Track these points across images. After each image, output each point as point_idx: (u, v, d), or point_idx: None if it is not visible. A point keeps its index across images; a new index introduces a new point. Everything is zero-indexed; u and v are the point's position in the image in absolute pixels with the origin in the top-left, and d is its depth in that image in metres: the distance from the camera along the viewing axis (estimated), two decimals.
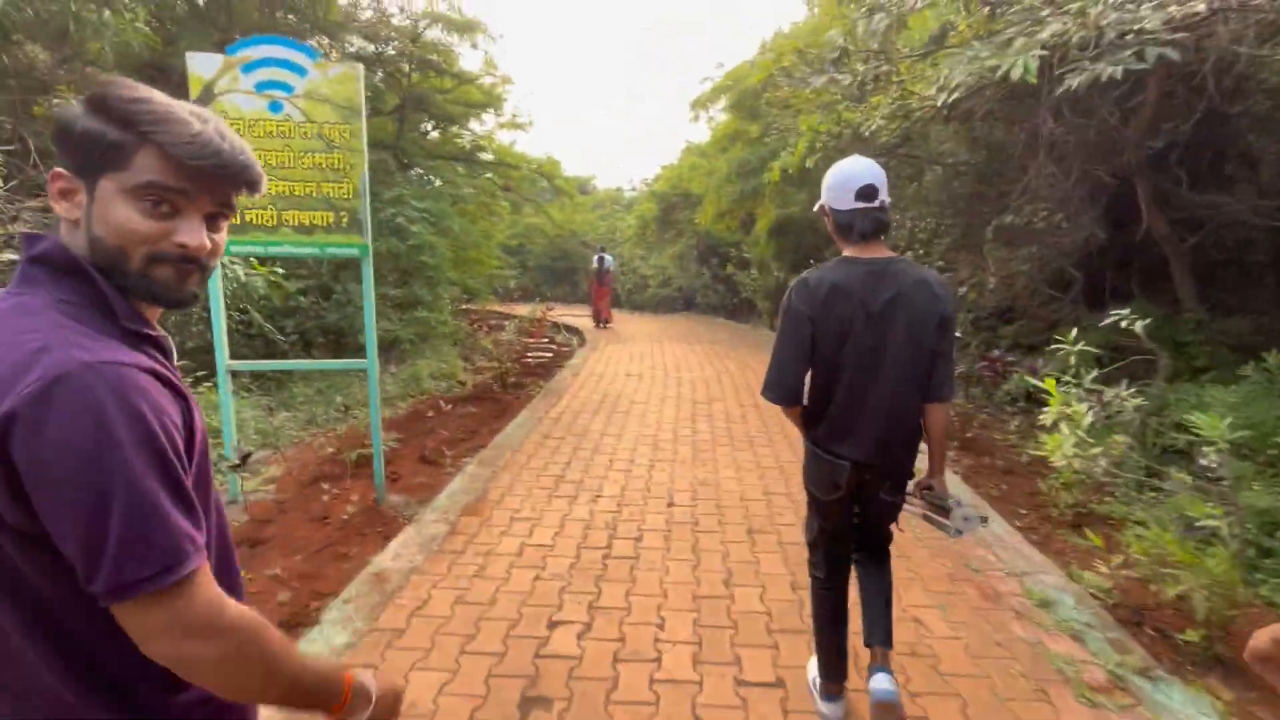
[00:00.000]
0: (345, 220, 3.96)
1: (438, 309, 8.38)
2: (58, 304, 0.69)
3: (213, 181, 0.74)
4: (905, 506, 2.00)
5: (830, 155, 5.84)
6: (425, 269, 8.27)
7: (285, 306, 7.65)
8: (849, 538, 2.12)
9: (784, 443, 5.17)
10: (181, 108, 0.73)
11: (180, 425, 0.72)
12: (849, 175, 1.85)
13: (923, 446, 1.98)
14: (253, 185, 0.79)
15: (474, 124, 13.85)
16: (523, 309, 18.32)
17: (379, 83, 9.74)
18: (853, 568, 2.17)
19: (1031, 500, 4.26)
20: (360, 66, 3.90)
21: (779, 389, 1.93)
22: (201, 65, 3.66)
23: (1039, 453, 4.07)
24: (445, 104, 10.08)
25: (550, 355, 10.90)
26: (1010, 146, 5.25)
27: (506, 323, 17.70)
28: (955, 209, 5.75)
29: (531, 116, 12.98)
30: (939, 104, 4.93)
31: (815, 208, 2.00)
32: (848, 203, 1.84)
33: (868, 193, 1.82)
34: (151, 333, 0.77)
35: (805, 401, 1.96)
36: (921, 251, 6.48)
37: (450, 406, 6.88)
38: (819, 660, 2.16)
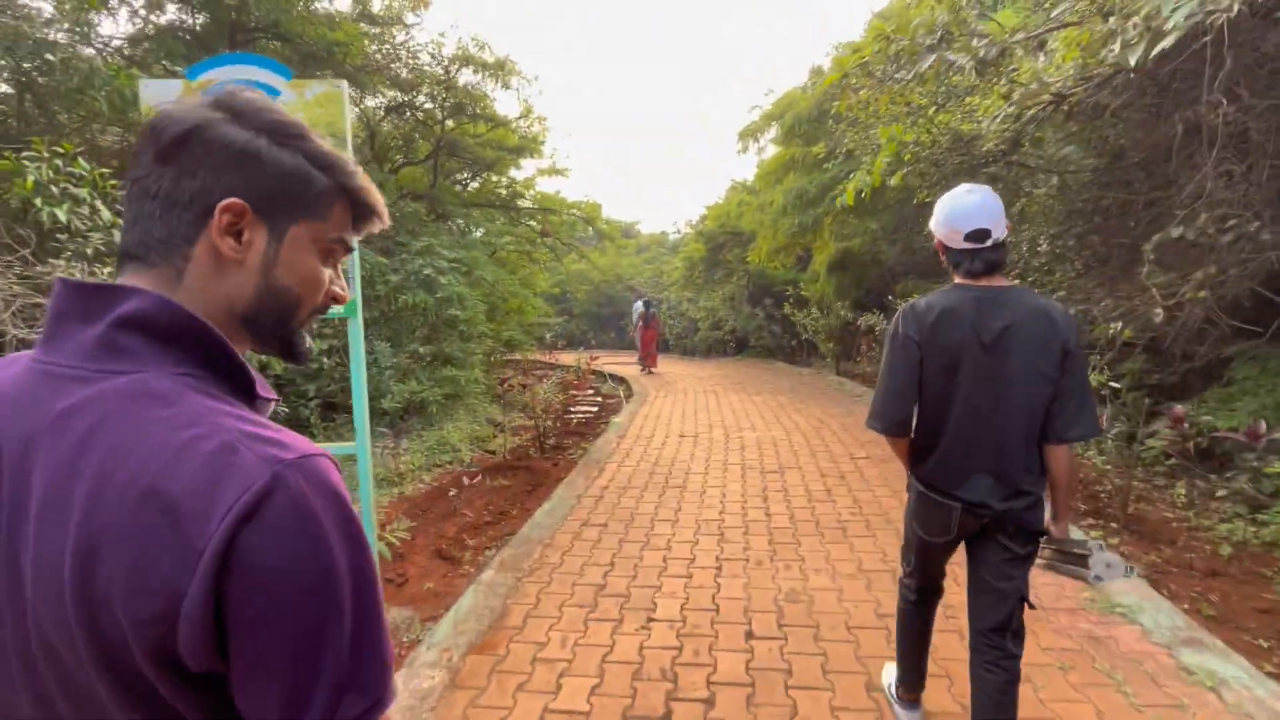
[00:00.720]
0: None
1: (470, 366, 7.64)
2: (184, 380, 0.56)
3: (355, 227, 0.70)
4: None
5: (923, 170, 4.84)
6: (456, 323, 7.58)
7: (311, 370, 7.08)
8: (944, 572, 2.05)
9: (888, 531, 4.03)
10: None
11: None
12: (958, 214, 1.75)
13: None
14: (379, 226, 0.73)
15: (513, 171, 13.58)
16: (568, 357, 17.74)
17: (412, 130, 9.40)
18: (972, 658, 1.88)
19: (1268, 619, 2.99)
20: (344, 84, 3.19)
21: (886, 418, 1.83)
22: (156, 93, 3.02)
23: (1252, 539, 2.85)
24: (480, 149, 9.64)
25: (595, 411, 10.04)
26: (1159, 143, 4.13)
27: (551, 372, 17.14)
28: (1082, 225, 4.61)
29: (570, 163, 12.43)
30: (1058, 94, 3.91)
31: (928, 230, 1.91)
32: (957, 242, 1.76)
33: (978, 236, 1.73)
34: (271, 397, 0.65)
35: (912, 434, 1.87)
36: (1033, 280, 5.33)
37: (478, 479, 6.02)
38: (899, 669, 2.17)
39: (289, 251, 0.63)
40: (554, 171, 14.58)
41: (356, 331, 3.26)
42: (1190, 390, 5.28)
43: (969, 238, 1.73)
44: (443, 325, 7.65)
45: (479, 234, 10.33)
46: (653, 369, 14.34)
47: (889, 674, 2.32)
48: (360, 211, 0.67)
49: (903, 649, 2.15)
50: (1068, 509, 1.83)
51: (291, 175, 0.61)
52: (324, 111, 3.16)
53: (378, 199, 0.68)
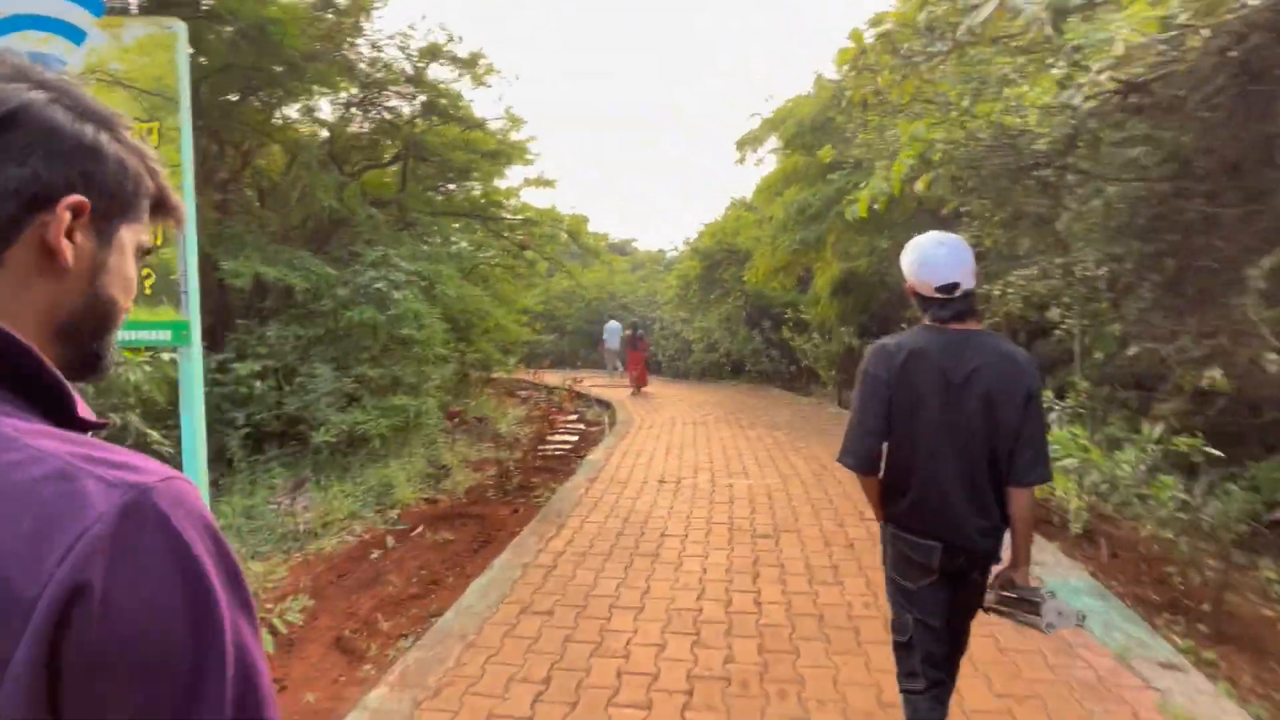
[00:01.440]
0: (150, 285, 2.30)
1: (425, 393, 6.73)
2: None
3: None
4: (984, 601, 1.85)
5: (956, 173, 3.99)
6: (411, 344, 6.70)
7: (241, 394, 6.17)
8: (946, 635, 1.88)
9: None
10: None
11: None
12: (929, 267, 1.78)
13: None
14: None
15: (498, 181, 12.78)
16: (554, 378, 16.86)
17: (378, 131, 8.58)
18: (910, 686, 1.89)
19: None
20: (180, 26, 2.32)
21: (857, 455, 1.85)
22: None
23: None
24: (451, 153, 8.82)
25: (574, 441, 9.11)
26: (1254, 141, 3.29)
27: (534, 393, 16.21)
28: (1152, 245, 3.74)
29: (547, 159, 11.58)
30: (1129, 82, 3.08)
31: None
32: (928, 291, 1.79)
33: (949, 289, 1.77)
34: (93, 418, 0.55)
35: (881, 475, 1.87)
36: (1083, 315, 4.47)
37: (418, 530, 5.08)
38: None
39: (116, 256, 0.57)
40: (541, 182, 13.79)
41: (192, 366, 2.36)
42: (1246, 444, 4.39)
43: (940, 290, 1.76)
44: (396, 346, 6.75)
45: (458, 246, 9.49)
46: (643, 387, 13.93)
47: None
48: (162, 211, 0.62)
49: None
50: (1027, 554, 1.82)
51: (126, 173, 0.56)
52: (149, 62, 2.29)
53: (179, 198, 0.64)
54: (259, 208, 8.08)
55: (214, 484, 5.12)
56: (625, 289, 23.51)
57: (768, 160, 10.64)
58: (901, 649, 1.92)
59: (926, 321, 1.82)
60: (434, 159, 9.12)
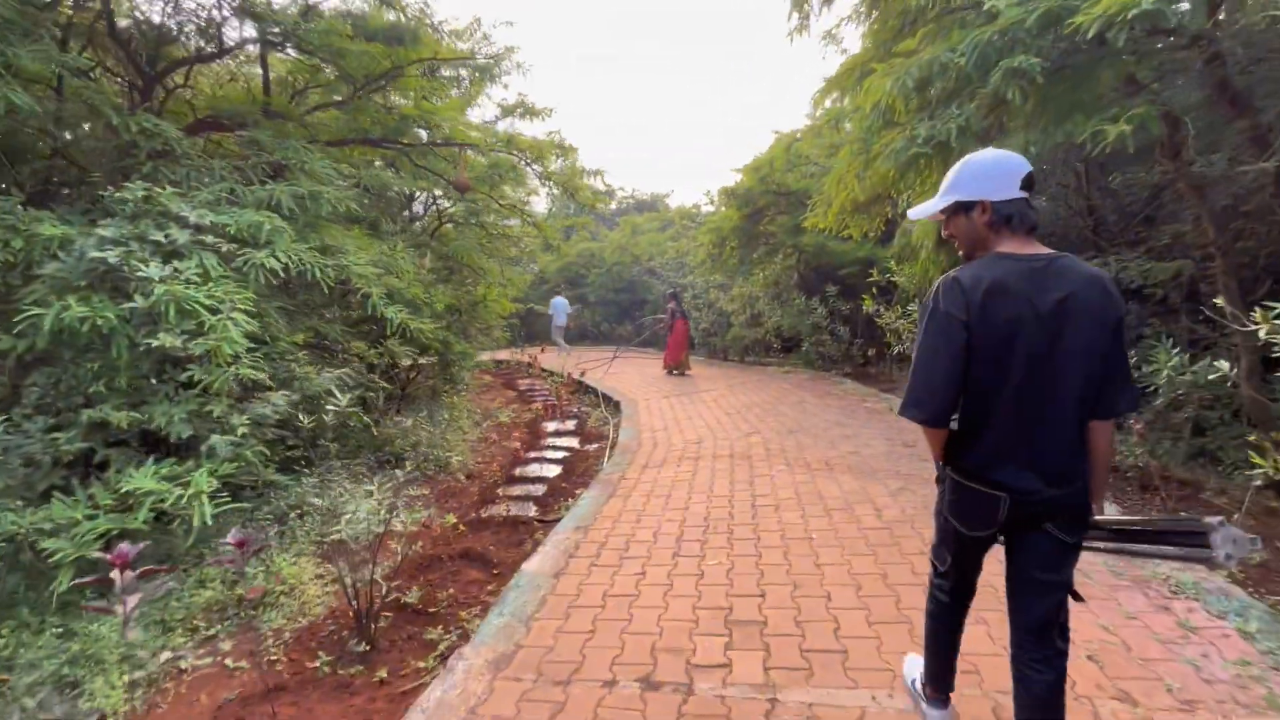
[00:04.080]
0: None
1: (214, 457, 3.54)
2: None
3: None
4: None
5: None
6: (183, 365, 3.50)
7: None
8: (981, 570, 1.89)
9: None
10: None
11: None
12: (1009, 161, 1.67)
13: None
14: None
15: (472, 110, 9.32)
16: (557, 360, 13.65)
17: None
18: (1016, 656, 1.75)
19: None
20: None
21: (927, 408, 1.65)
22: None
23: None
24: (348, 47, 5.43)
25: (545, 487, 5.86)
26: None
27: (540, 381, 13.05)
28: None
29: (548, 106, 8.10)
30: None
31: (940, 208, 1.74)
32: (1011, 191, 1.64)
33: (1031, 181, 1.66)
34: None
35: (954, 423, 1.69)
36: None
37: None
38: (928, 669, 2.08)
39: None
40: (527, 110, 10.27)
41: None
42: None
43: (1025, 183, 1.66)
44: (149, 368, 3.57)
45: (326, 190, 6.11)
46: (674, 370, 11.79)
47: (912, 667, 2.29)
48: None
49: (933, 649, 2.04)
50: (1104, 488, 1.71)
51: None
52: None
53: None
54: None
55: None
56: (651, 249, 19.93)
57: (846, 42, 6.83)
58: (938, 571, 1.94)
59: (1001, 249, 1.64)
60: (323, 56, 5.75)
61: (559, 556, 3.82)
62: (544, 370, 13.18)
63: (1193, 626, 2.66)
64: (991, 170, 1.66)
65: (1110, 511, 3.86)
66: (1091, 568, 3.25)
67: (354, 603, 3.36)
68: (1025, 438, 1.59)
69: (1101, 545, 1.73)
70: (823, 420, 7.20)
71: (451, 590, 3.93)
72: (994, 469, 1.63)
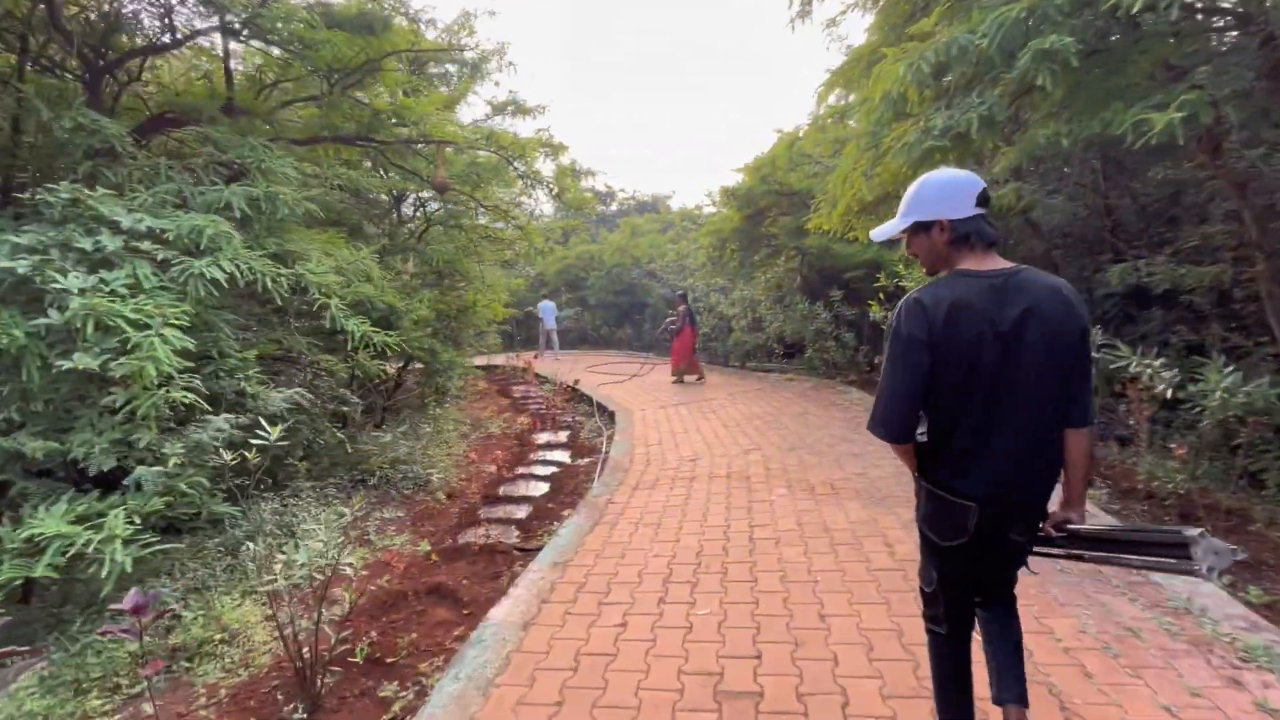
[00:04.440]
0: None
1: (142, 494, 3.14)
2: None
3: None
4: (1040, 550, 1.78)
5: None
6: (98, 382, 3.10)
7: None
8: (972, 585, 1.88)
9: None
10: None
11: None
12: (963, 179, 1.71)
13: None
14: None
15: (463, 110, 8.92)
16: (545, 363, 13.22)
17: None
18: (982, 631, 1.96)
19: None
20: None
21: (893, 426, 1.70)
22: None
23: None
24: (312, 36, 5.03)
25: (530, 507, 5.44)
26: None
27: (535, 386, 12.65)
28: None
29: (541, 103, 7.71)
30: None
31: (901, 229, 1.76)
32: (968, 209, 1.68)
33: (985, 198, 1.70)
34: None
35: (923, 437, 1.75)
36: None
37: None
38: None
39: None
40: (517, 109, 9.89)
41: None
42: None
43: (980, 200, 1.69)
44: (68, 391, 3.17)
45: (283, 192, 5.66)
46: (688, 376, 11.46)
47: None
48: None
49: (942, 704, 1.93)
50: (1083, 496, 1.74)
51: None
52: None
53: None
54: None
55: None
56: (651, 252, 19.51)
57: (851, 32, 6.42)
58: (927, 596, 1.93)
59: (961, 266, 1.67)
60: (288, 48, 5.35)
61: (531, 601, 3.39)
62: (538, 376, 12.78)
63: (1272, 709, 2.23)
64: (947, 189, 1.69)
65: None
66: (1141, 623, 2.82)
67: (296, 661, 2.96)
68: (988, 451, 1.63)
69: (1086, 555, 1.72)
70: (827, 435, 6.77)
71: (414, 635, 3.53)
72: (962, 479, 1.67)
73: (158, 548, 3.17)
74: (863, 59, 5.25)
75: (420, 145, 6.26)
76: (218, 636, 3.43)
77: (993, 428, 1.62)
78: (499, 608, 3.34)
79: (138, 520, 3.08)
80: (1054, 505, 1.77)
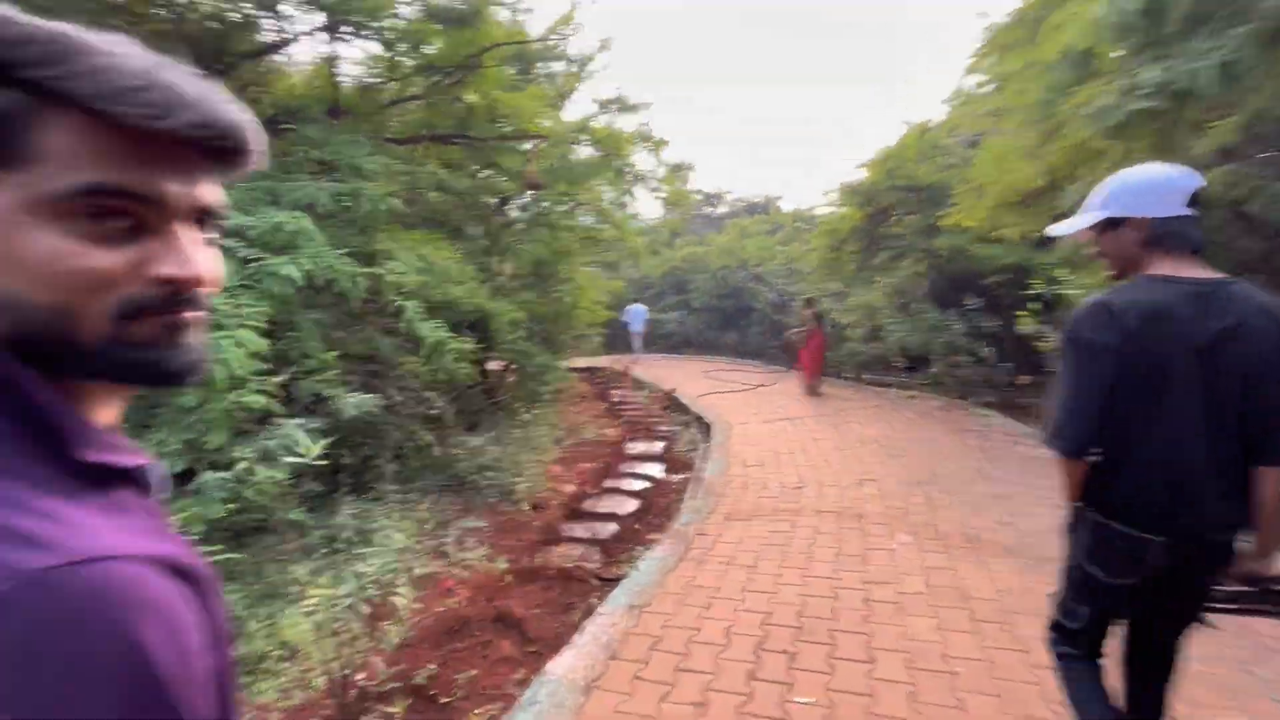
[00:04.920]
0: None
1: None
2: None
3: (194, 162, 0.42)
4: (1220, 605, 1.54)
5: None
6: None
7: None
8: (1125, 640, 1.70)
9: None
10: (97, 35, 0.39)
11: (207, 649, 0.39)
12: (1179, 174, 1.50)
13: None
14: (247, 159, 0.44)
15: (566, 109, 8.78)
16: (644, 368, 12.77)
17: None
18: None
19: None
20: None
21: (1073, 440, 1.51)
22: None
23: None
24: (427, 29, 4.92)
25: (613, 530, 5.00)
26: None
27: (634, 394, 12.31)
28: None
29: (641, 98, 7.34)
30: None
31: (1087, 225, 1.58)
32: (1175, 207, 1.47)
33: (1198, 199, 1.49)
34: (127, 464, 0.41)
35: (1095, 457, 1.55)
36: None
37: None
38: None
39: None
40: (622, 106, 9.57)
41: None
42: None
43: (1192, 200, 1.47)
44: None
45: (368, 190, 5.50)
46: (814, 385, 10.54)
47: None
48: (130, 114, 0.37)
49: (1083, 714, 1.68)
50: (1276, 542, 1.50)
51: None
52: None
53: (167, 88, 0.38)
54: None
55: None
56: (760, 254, 18.64)
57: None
58: (1062, 631, 1.73)
59: (1156, 270, 1.48)
60: (397, 48, 5.31)
61: (598, 654, 2.92)
62: (636, 381, 12.45)
63: None
64: (1156, 182, 1.51)
65: None
66: None
67: (338, 696, 2.69)
68: (1184, 480, 1.45)
69: (1271, 609, 1.50)
70: (961, 468, 5.76)
71: (476, 671, 3.19)
72: (1139, 510, 1.49)
73: (219, 558, 3.04)
74: (1026, 20, 4.31)
75: (514, 142, 6.07)
76: (277, 652, 3.28)
77: (1183, 454, 1.44)
78: (561, 659, 2.90)
79: (201, 526, 2.96)
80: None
